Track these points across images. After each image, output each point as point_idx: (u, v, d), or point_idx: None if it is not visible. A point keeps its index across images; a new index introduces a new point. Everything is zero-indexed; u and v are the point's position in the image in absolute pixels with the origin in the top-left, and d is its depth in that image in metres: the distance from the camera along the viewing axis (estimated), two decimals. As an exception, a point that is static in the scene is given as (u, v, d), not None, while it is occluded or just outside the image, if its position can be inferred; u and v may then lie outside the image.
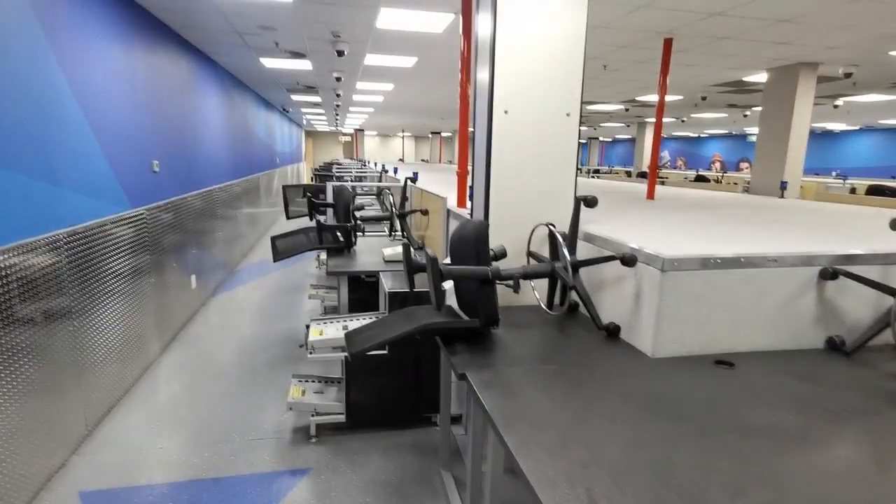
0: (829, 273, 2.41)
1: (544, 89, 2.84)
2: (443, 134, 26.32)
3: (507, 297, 2.83)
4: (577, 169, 3.02)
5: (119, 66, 4.07)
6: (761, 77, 6.92)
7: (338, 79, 7.56)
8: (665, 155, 28.44)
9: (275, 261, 4.25)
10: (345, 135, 29.55)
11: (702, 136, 24.42)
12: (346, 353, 2.71)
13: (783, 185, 6.16)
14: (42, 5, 3.04)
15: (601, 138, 28.90)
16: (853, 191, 9.20)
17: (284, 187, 6.71)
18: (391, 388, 3.49)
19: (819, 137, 20.05)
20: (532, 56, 2.79)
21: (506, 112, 2.81)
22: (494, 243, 2.95)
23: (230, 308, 6.31)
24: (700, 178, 13.28)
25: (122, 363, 3.87)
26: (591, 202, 2.69)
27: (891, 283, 2.36)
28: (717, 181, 13.16)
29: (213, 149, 7.20)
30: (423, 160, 30.07)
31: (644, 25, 4.62)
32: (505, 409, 1.69)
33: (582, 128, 20.52)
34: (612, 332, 2.49)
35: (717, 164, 23.75)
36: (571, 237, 2.66)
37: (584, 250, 2.81)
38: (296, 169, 20.68)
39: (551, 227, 2.57)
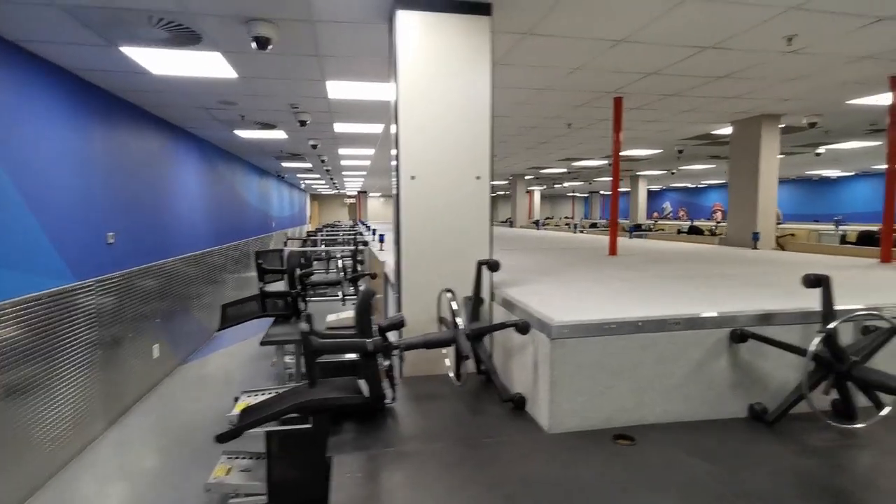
0: (738, 335, 2.26)
1: (452, 153, 2.83)
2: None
3: (429, 364, 2.71)
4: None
5: (68, 143, 4.20)
6: (728, 129, 6.95)
7: (314, 146, 7.77)
8: (667, 206, 28.46)
9: (218, 329, 4.18)
10: (349, 197, 30.21)
11: (700, 186, 24.49)
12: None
13: (755, 237, 6.02)
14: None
15: (602, 192, 29.13)
16: (843, 238, 8.98)
17: (258, 253, 6.75)
18: (319, 465, 3.28)
19: (817, 184, 19.97)
20: (436, 119, 2.80)
21: (413, 178, 2.79)
22: (408, 310, 2.86)
23: (194, 377, 6.18)
24: (693, 230, 13.16)
25: (54, 443, 3.74)
26: (493, 266, 2.61)
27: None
28: (713, 232, 13.03)
29: (190, 217, 7.33)
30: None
31: (587, 86, 4.70)
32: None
33: (577, 183, 20.81)
34: (519, 404, 2.34)
35: (719, 214, 23.64)
36: (475, 302, 2.56)
37: (501, 315, 2.70)
38: (297, 231, 21.02)
39: (448, 294, 2.47)
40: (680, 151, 9.13)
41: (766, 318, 2.34)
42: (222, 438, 2.04)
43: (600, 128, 7.13)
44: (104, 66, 3.99)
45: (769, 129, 6.15)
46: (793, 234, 11.16)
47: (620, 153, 5.04)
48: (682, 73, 4.25)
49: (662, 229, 14.83)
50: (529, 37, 3.37)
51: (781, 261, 4.59)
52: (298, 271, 4.46)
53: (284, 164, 11.80)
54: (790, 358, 2.21)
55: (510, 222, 16.26)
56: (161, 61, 3.87)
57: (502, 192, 23.44)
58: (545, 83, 4.58)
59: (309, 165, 11.89)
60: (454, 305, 2.39)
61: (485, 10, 2.79)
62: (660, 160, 11.58)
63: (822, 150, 9.51)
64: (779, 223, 12.57)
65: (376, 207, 33.68)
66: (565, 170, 13.61)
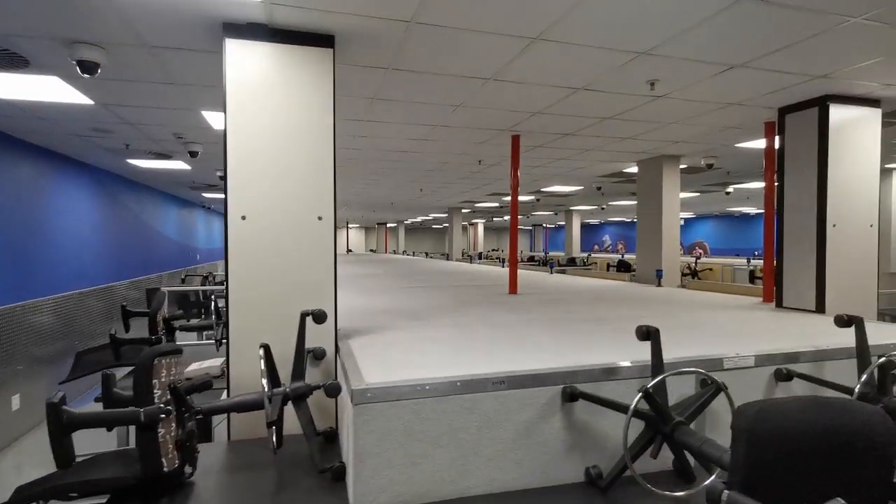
0: (568, 393, 2.10)
1: (291, 191, 2.61)
2: (388, 225, 26.57)
3: (262, 426, 2.39)
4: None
5: None
6: (636, 169, 7.11)
7: (221, 177, 7.39)
8: (606, 239, 29.32)
9: (62, 381, 3.70)
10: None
11: (634, 220, 25.39)
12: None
13: (658, 274, 6.09)
14: None
15: (545, 225, 29.72)
16: (752, 273, 9.32)
17: (149, 291, 6.24)
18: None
19: (739, 220, 21.07)
20: (272, 154, 2.58)
21: (243, 217, 2.54)
22: (236, 366, 2.57)
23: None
24: (622, 264, 13.43)
25: None
26: (319, 317, 2.38)
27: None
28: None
29: (76, 250, 6.74)
30: (371, 250, 30.07)
31: (479, 123, 4.64)
32: None
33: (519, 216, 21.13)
34: (337, 474, 2.07)
35: (621, 247, 24.63)
36: (297, 358, 2.30)
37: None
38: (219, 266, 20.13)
39: (261, 350, 2.21)
40: (599, 188, 9.32)
41: (608, 373, 2.20)
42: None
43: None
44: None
45: (670, 168, 6.31)
46: (710, 269, 11.54)
47: (544, 189, 4.99)
48: (567, 112, 4.25)
49: (594, 263, 15.08)
50: (394, 71, 3.25)
51: (674, 300, 4.59)
52: (162, 314, 4.06)
53: (206, 195, 11.28)
54: (623, 417, 2.04)
55: (446, 255, 16.16)
56: (2, 85, 3.50)
57: (444, 225, 23.50)
58: (435, 119, 4.49)
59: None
60: (262, 365, 2.12)
61: (326, 42, 2.63)
62: (585, 196, 11.82)
63: (731, 188, 9.94)
64: (698, 259, 13.03)
65: (320, 239, 32.91)
66: (497, 204, 13.70)
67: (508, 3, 2.37)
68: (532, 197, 11.45)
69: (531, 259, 18.85)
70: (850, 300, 3.73)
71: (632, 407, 1.88)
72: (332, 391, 2.04)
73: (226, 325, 2.60)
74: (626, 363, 2.21)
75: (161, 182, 9.31)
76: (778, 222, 4.07)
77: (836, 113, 3.72)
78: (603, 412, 2.11)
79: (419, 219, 22.09)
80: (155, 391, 1.97)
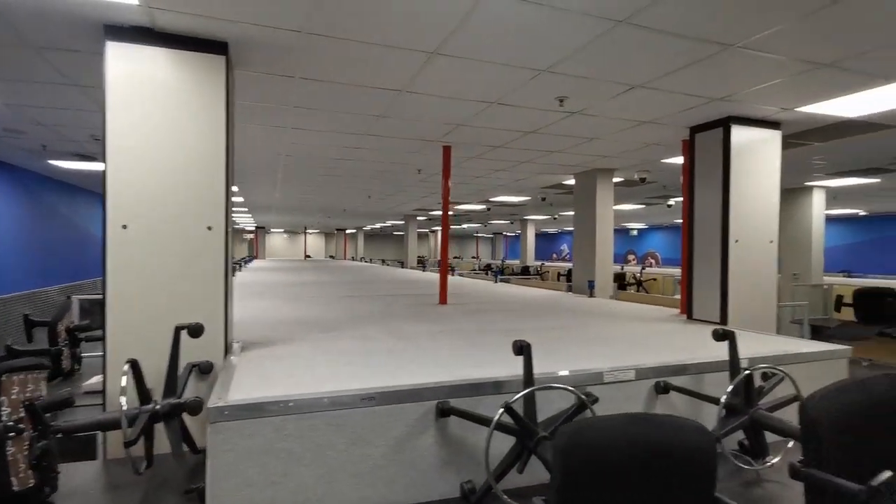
0: (440, 409, 2.11)
1: (178, 200, 2.53)
2: (347, 231, 26.30)
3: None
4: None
5: None
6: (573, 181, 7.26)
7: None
8: (564, 248, 29.83)
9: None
10: (248, 232, 28.81)
11: (549, 231, 25.99)
12: None
13: (590, 285, 6.22)
14: None
15: (505, 233, 30.00)
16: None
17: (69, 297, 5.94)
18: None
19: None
20: (157, 161, 2.50)
21: (124, 227, 2.46)
22: (112, 381, 2.47)
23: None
24: (570, 274, 13.69)
25: None
26: (194, 331, 2.31)
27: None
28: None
29: (-8, 256, 6.39)
30: (330, 256, 29.68)
31: (407, 133, 4.65)
32: None
33: (476, 224, 21.25)
34: (201, 494, 2.00)
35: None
36: (171, 374, 2.23)
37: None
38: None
39: (128, 365, 2.13)
40: (543, 199, 9.48)
41: (480, 388, 2.21)
42: None
43: (457, 175, 7.20)
44: None
45: (604, 182, 6.46)
46: (655, 279, 11.88)
47: (492, 199, 5.00)
48: (489, 125, 4.30)
49: (547, 272, 15.31)
50: (305, 80, 3.22)
51: (597, 311, 4.69)
52: (67, 323, 3.88)
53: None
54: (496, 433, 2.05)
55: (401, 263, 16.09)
56: None
57: (400, 233, 23.43)
58: (361, 128, 4.47)
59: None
60: (124, 382, 2.05)
61: (219, 48, 2.58)
62: (537, 206, 12.00)
63: (671, 202, 10.28)
64: (643, 269, 13.39)
65: (279, 244, 32.37)
66: (451, 213, 13.75)
67: (399, 18, 2.39)
68: (483, 206, 11.55)
69: (487, 267, 18.98)
70: (751, 312, 3.90)
71: (494, 421, 1.90)
72: (194, 408, 1.98)
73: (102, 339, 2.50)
74: (505, 377, 2.24)
75: (94, 183, 8.94)
76: (689, 237, 4.22)
77: (738, 134, 3.89)
78: (477, 427, 2.12)
79: (378, 225, 21.96)
80: (3, 408, 1.88)
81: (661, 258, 22.36)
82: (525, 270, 15.87)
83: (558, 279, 13.61)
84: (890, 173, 6.75)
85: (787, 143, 4.86)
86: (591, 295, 6.22)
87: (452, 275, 11.65)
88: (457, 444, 2.13)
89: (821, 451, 1.78)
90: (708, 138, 4.06)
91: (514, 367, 2.35)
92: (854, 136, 4.56)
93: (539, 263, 17.82)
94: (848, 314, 7.30)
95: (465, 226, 21.79)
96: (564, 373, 2.33)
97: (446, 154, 5.13)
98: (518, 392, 1.97)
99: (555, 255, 28.97)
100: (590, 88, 3.29)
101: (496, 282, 8.77)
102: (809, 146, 5.00)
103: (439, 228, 24.58)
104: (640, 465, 1.39)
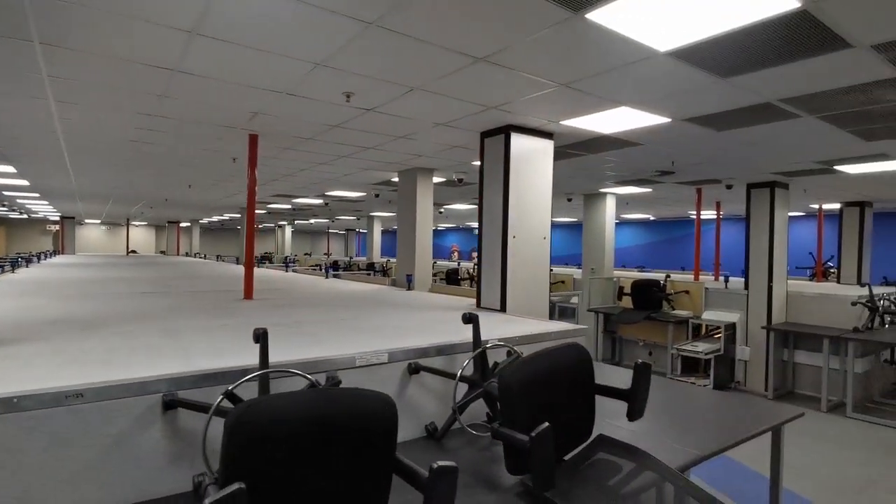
0: (165, 402, 2.04)
1: None
2: (182, 224, 23.91)
3: None
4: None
5: None
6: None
7: None
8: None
9: None
10: (52, 223, 24.67)
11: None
12: None
13: (408, 279, 6.47)
14: None
15: (358, 230, 29.79)
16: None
17: None
18: None
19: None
20: None
21: None
22: None
23: None
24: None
25: None
26: None
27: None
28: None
29: None
30: (161, 251, 26.72)
31: (203, 118, 4.38)
32: None
33: (323, 220, 20.79)
34: None
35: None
36: None
37: None
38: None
39: None
40: (377, 195, 9.62)
41: (212, 378, 2.17)
42: None
43: (278, 166, 6.97)
44: None
45: (424, 181, 6.76)
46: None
47: (329, 193, 4.81)
48: (291, 116, 4.25)
49: (391, 268, 15.53)
50: (50, 47, 2.86)
51: (403, 303, 4.88)
52: None
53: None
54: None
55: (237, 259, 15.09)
56: None
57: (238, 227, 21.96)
58: (145, 108, 4.09)
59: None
60: None
61: None
62: (383, 202, 12.11)
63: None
64: (476, 265, 14.16)
65: (97, 237, 28.37)
66: (290, 206, 13.29)
67: (138, -11, 2.24)
68: (320, 200, 11.34)
69: (334, 264, 18.69)
70: (526, 300, 4.40)
71: (213, 407, 1.89)
72: None
73: None
74: (234, 366, 2.22)
75: None
76: (480, 234, 4.62)
77: (517, 141, 4.37)
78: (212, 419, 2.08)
79: (216, 218, 20.34)
80: None
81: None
82: (370, 266, 15.93)
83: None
84: (656, 184, 8.11)
85: (566, 153, 5.58)
86: (410, 288, 6.47)
87: (258, 267, 11.30)
88: (189, 437, 2.07)
89: (514, 412, 2.08)
90: (494, 143, 4.48)
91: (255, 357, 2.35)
92: (613, 150, 5.39)
93: (385, 260, 18.02)
94: (627, 302, 8.62)
95: (312, 221, 21.18)
96: (310, 358, 2.39)
97: (253, 142, 4.94)
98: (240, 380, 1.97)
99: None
100: (372, 87, 3.42)
101: (326, 277, 8.68)
102: (585, 156, 5.78)
103: (286, 223, 23.56)
104: (319, 439, 1.49)
